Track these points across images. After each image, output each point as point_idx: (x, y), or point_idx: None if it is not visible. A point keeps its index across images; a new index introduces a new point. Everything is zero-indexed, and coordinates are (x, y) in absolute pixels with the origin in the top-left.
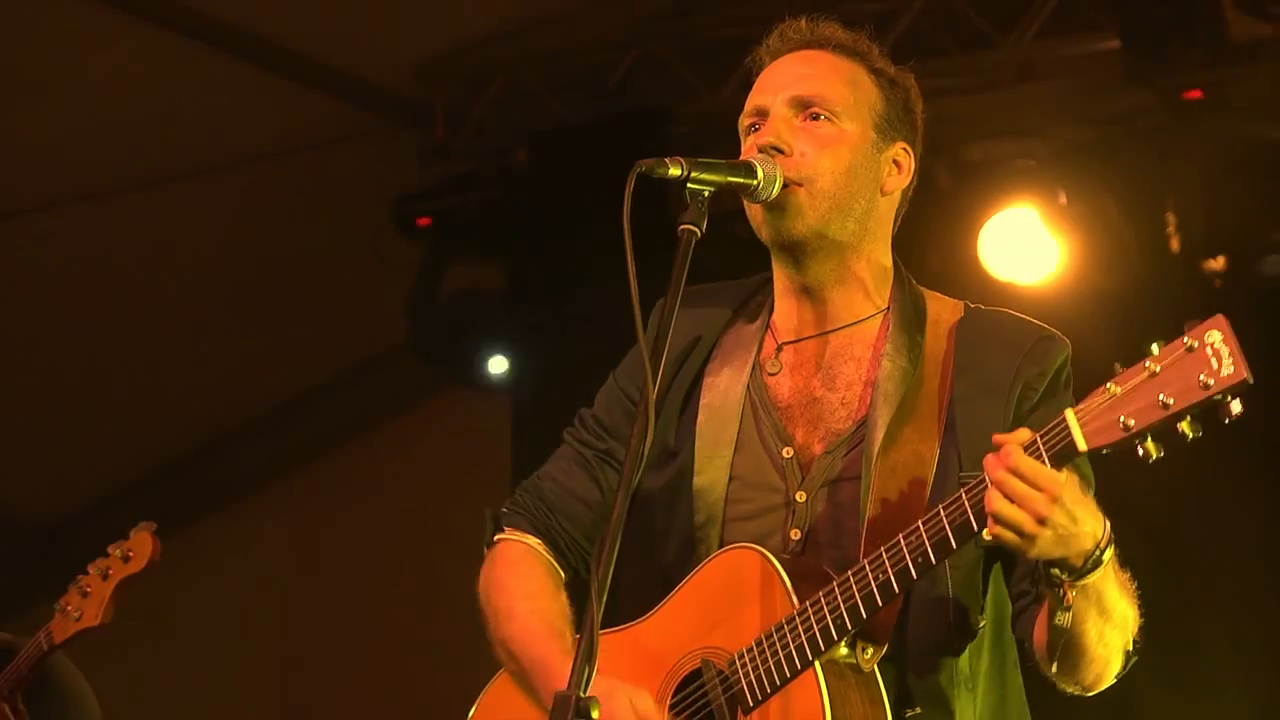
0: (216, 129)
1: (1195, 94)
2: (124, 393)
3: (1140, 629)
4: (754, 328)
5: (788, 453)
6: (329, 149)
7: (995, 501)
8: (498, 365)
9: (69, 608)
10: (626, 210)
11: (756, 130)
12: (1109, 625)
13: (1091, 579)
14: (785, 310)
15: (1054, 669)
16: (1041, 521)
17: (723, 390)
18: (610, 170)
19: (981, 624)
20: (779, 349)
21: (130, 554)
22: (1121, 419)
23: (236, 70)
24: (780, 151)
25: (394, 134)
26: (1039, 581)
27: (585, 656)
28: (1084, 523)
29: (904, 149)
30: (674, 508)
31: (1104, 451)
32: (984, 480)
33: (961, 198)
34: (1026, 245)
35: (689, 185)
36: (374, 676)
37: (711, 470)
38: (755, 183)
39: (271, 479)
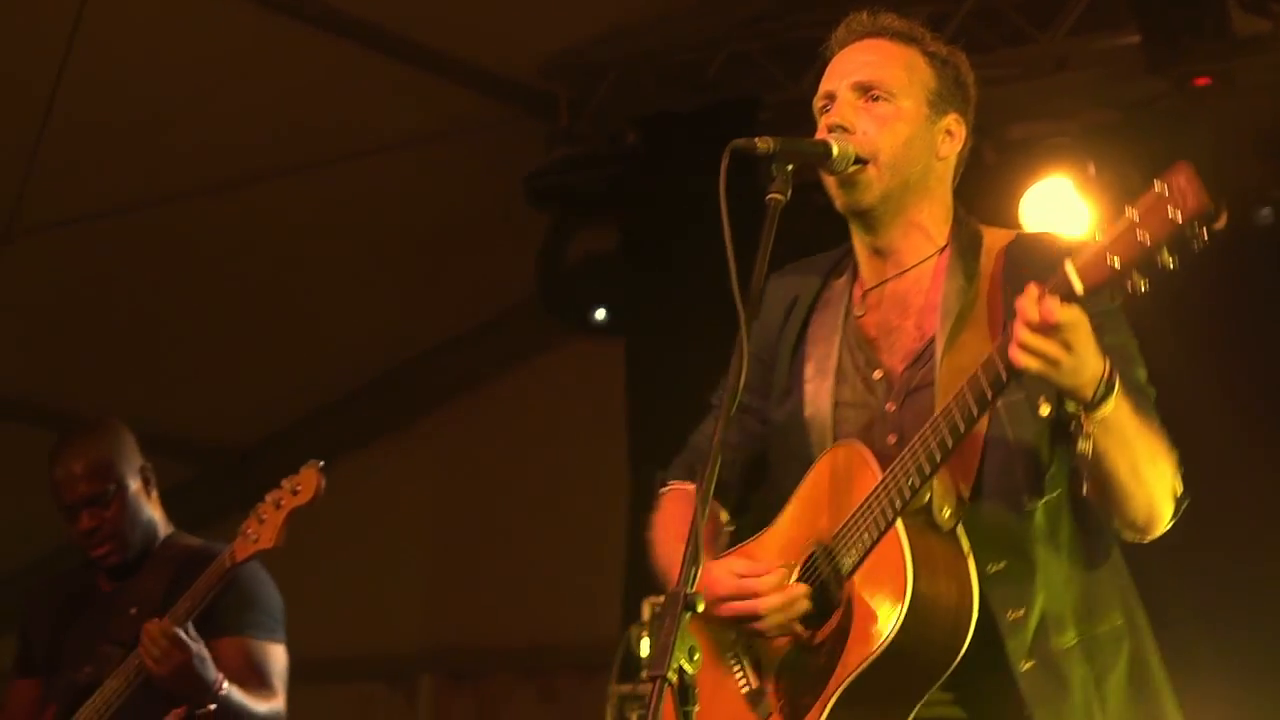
0: (374, 118)
1: (1204, 81)
2: (301, 339)
3: (1182, 478)
4: (843, 282)
5: (878, 375)
6: (471, 134)
7: (1019, 334)
8: (602, 316)
9: (249, 531)
10: (723, 183)
11: (827, 111)
12: (1139, 459)
13: (1104, 411)
14: (864, 263)
15: (1104, 509)
16: (1059, 347)
17: (823, 336)
18: (708, 149)
19: (1055, 491)
20: (864, 295)
21: (299, 488)
22: (1109, 259)
23: (391, 68)
24: (845, 130)
25: (524, 121)
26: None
27: (691, 559)
28: (1084, 354)
29: (956, 119)
30: (792, 437)
31: (1100, 288)
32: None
33: (1006, 170)
34: (1061, 210)
35: (775, 160)
36: (505, 592)
37: (818, 401)
38: (831, 158)
39: (420, 415)
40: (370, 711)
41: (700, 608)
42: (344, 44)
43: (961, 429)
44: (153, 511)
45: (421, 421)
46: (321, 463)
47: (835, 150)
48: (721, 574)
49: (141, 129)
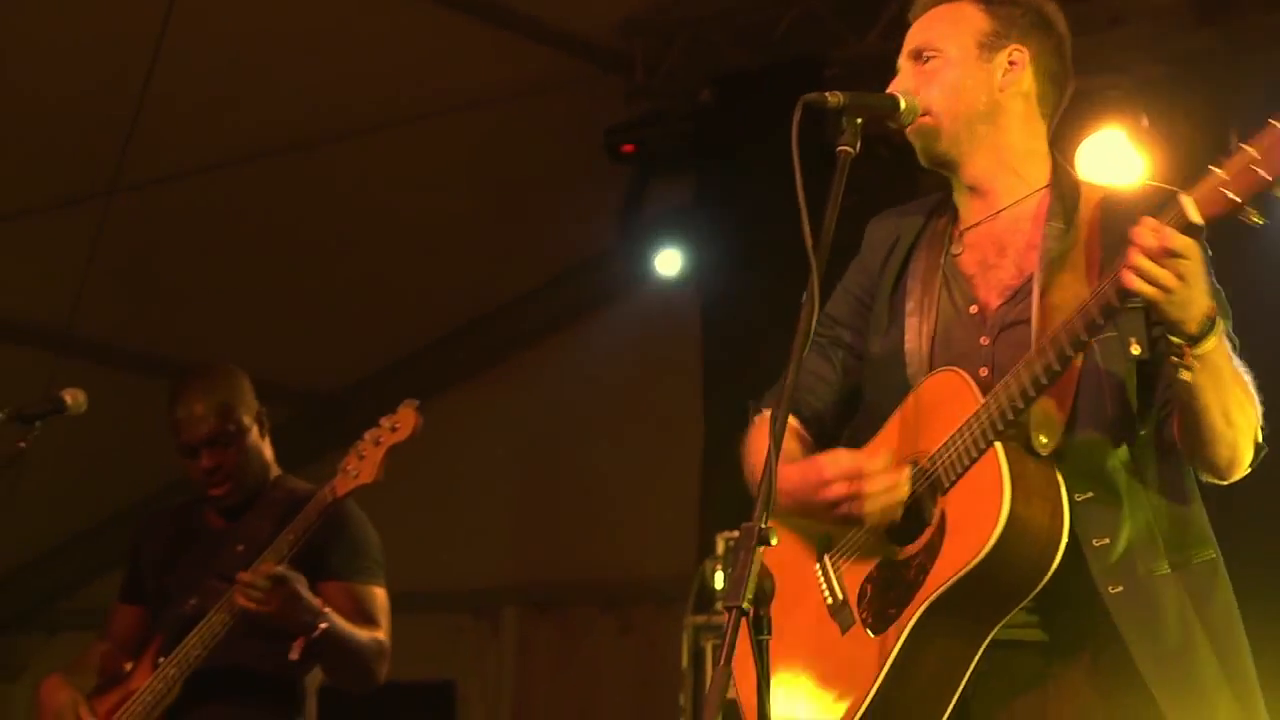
0: (462, 77)
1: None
2: (393, 288)
3: (1262, 427)
4: (943, 222)
5: (974, 309)
6: (552, 92)
7: (1135, 260)
8: (672, 261)
9: (349, 467)
10: (795, 135)
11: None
12: (1229, 402)
13: (1207, 347)
14: (962, 204)
15: (1190, 449)
16: (1172, 275)
17: (923, 273)
18: (779, 104)
19: (1144, 429)
20: (962, 234)
21: (397, 425)
22: (1226, 193)
23: (476, 29)
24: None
25: (603, 79)
26: (1170, 367)
27: (765, 495)
28: (1196, 288)
29: (1016, 48)
30: (891, 368)
31: (1216, 219)
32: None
33: (1064, 121)
34: (1116, 159)
35: (845, 114)
36: (585, 528)
37: (919, 335)
38: (899, 110)
39: (505, 360)
40: (458, 641)
41: (774, 541)
42: (432, 6)
43: (1069, 354)
44: (265, 454)
45: (506, 366)
46: (418, 402)
47: (903, 104)
48: (828, 460)
49: (237, 90)
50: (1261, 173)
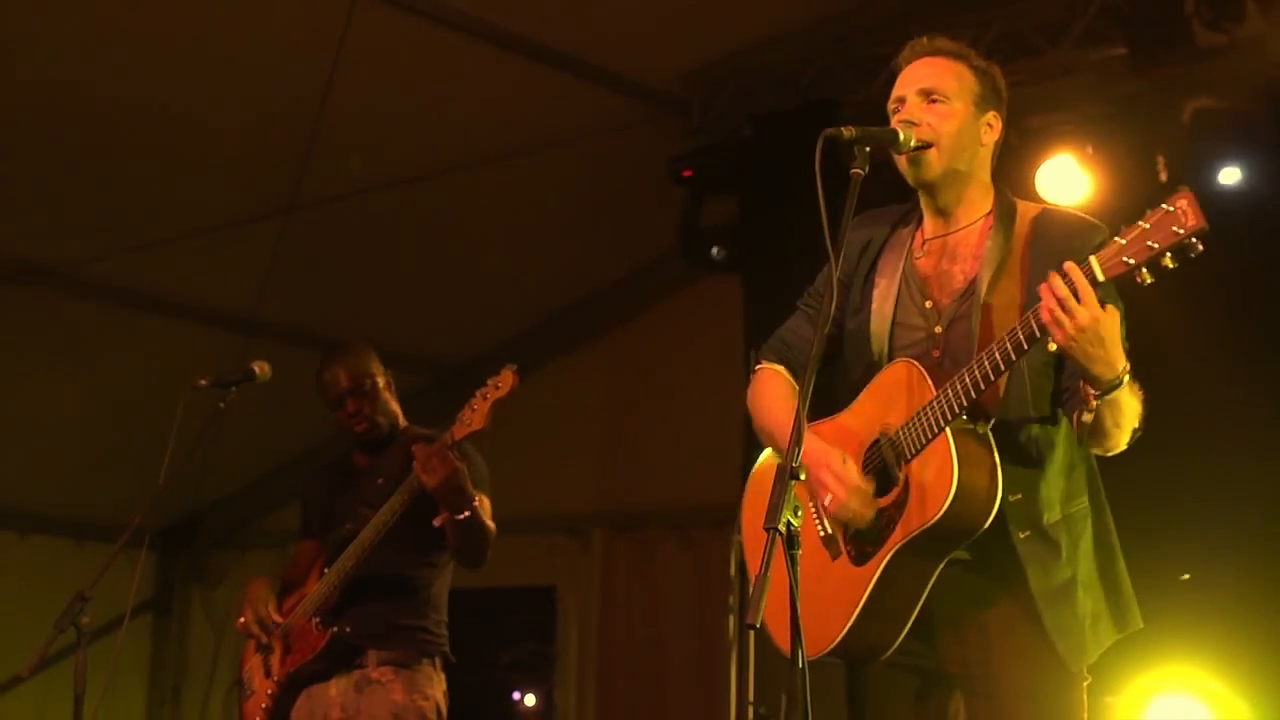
0: (564, 119)
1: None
2: (504, 284)
3: (1142, 418)
4: (908, 230)
5: (929, 304)
6: (631, 129)
7: (1046, 301)
8: (720, 254)
9: (463, 417)
10: (818, 160)
11: (897, 111)
12: (1122, 417)
13: (1111, 396)
14: (928, 220)
15: (1082, 436)
16: (1087, 317)
17: (889, 270)
18: (805, 137)
19: (1051, 418)
20: (924, 243)
21: (499, 384)
22: (1124, 258)
23: (575, 83)
24: (914, 124)
25: (666, 118)
26: (1076, 391)
27: (795, 439)
28: (1113, 350)
29: (994, 115)
30: (862, 343)
31: (1115, 278)
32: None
33: (1025, 150)
34: (1067, 179)
35: (857, 144)
36: (655, 465)
37: (882, 318)
38: (899, 141)
39: (593, 335)
40: (557, 555)
41: (803, 476)
42: (543, 68)
43: (1001, 368)
44: (393, 406)
45: (591, 343)
46: (516, 365)
47: (902, 136)
48: (824, 451)
49: (388, 129)
50: (1151, 243)
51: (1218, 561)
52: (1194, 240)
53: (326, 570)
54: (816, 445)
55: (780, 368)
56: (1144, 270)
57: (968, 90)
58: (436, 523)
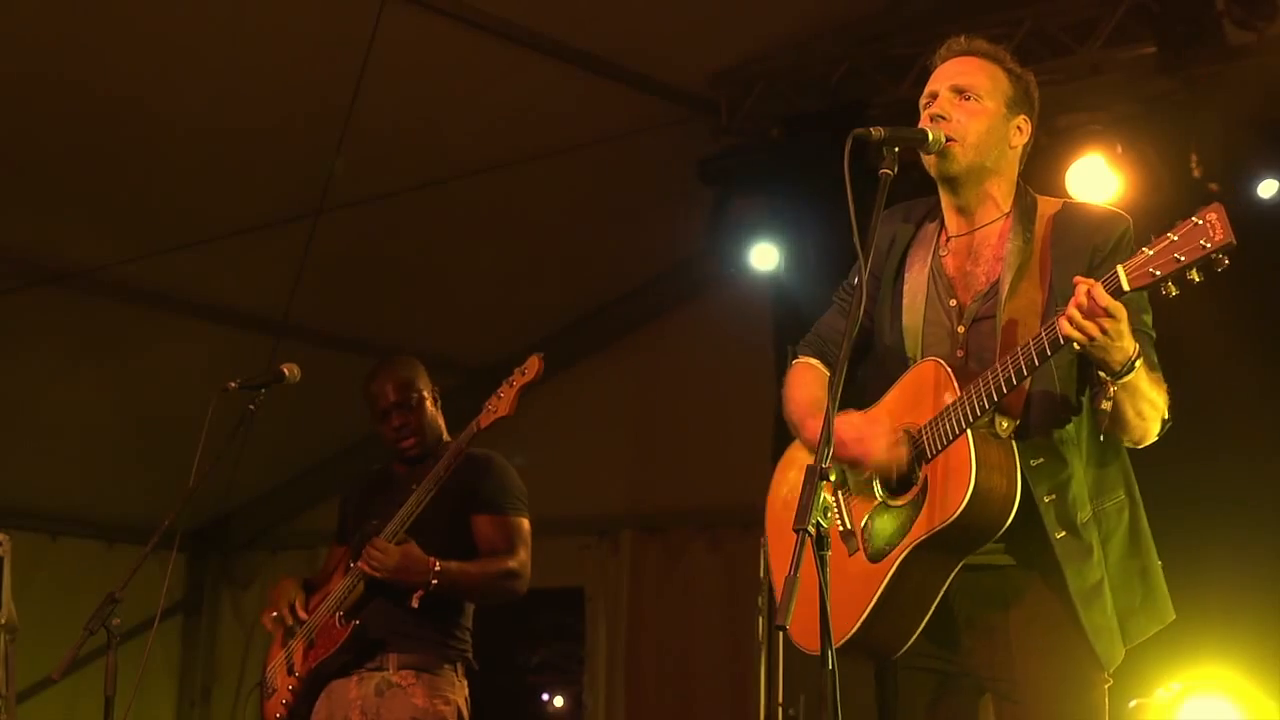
0: (597, 120)
1: (1203, 80)
2: (535, 286)
3: (1170, 408)
4: (933, 227)
5: (954, 303)
6: (662, 130)
7: (1068, 310)
8: (764, 255)
9: (490, 406)
10: (846, 160)
11: (929, 106)
12: (1143, 405)
13: (1126, 380)
14: (949, 217)
15: (1109, 429)
16: (1097, 328)
17: (918, 265)
18: (833, 138)
19: (1080, 413)
20: (948, 241)
21: (525, 370)
22: (1151, 269)
23: (609, 86)
24: (944, 119)
25: (697, 119)
26: (1095, 380)
27: (825, 439)
28: (1121, 339)
29: (1025, 119)
30: (892, 335)
31: (1142, 290)
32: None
33: (1055, 150)
34: (1097, 178)
35: (885, 144)
36: (684, 467)
37: (915, 314)
38: (927, 141)
39: (623, 335)
40: (586, 556)
41: (833, 478)
42: (578, 71)
43: (1025, 373)
44: (439, 421)
45: (622, 342)
46: (542, 353)
47: (930, 136)
48: (844, 424)
49: (417, 135)
50: (1178, 256)
51: (1249, 563)
52: (1220, 255)
53: (352, 566)
54: (841, 418)
55: (816, 361)
56: (1170, 283)
57: (1000, 91)
58: (413, 604)
